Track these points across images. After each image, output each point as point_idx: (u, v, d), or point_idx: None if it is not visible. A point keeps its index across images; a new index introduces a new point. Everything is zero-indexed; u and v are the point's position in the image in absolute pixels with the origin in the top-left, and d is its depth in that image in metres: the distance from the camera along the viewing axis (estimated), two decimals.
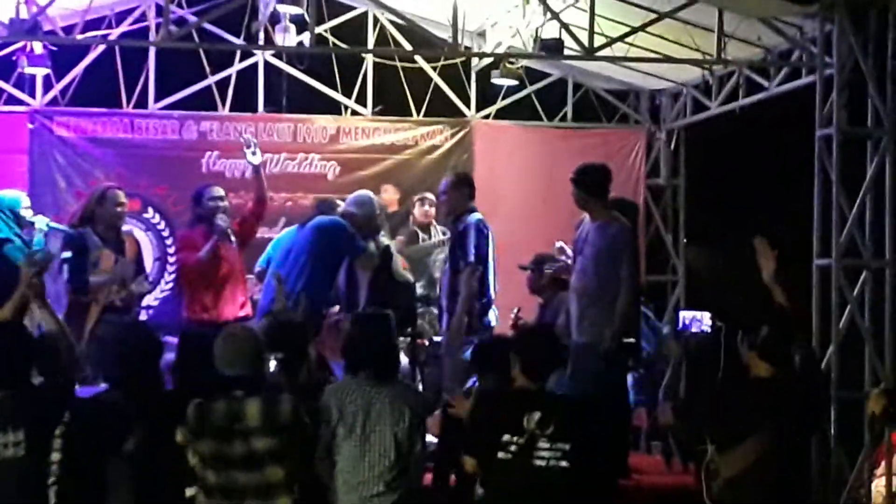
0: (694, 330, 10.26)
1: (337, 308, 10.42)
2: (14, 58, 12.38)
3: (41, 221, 9.90)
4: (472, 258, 9.95)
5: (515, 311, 10.54)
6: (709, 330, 10.12)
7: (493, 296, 10.21)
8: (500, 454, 6.44)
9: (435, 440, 8.20)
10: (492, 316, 10.24)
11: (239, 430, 6.19)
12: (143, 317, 11.32)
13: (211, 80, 13.27)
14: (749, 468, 6.36)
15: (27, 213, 9.95)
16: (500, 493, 6.54)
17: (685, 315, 10.44)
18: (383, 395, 6.86)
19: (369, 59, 13.51)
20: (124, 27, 12.76)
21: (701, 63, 12.11)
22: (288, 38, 11.69)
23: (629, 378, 10.13)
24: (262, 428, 6.22)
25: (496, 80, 12.97)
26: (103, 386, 7.44)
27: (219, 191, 10.68)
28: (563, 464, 6.39)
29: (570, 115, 14.05)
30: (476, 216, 10.07)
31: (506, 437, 6.44)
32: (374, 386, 6.89)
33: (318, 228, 9.95)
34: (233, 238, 10.46)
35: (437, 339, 10.48)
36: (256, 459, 6.19)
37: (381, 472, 6.76)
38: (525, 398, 6.57)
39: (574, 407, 6.81)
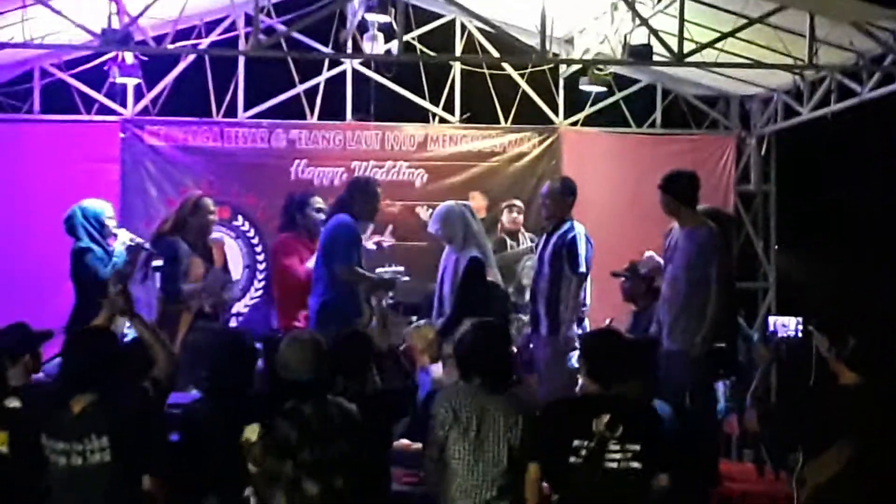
0: (782, 335, 10.20)
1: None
2: (106, 68, 12.57)
3: (124, 235, 10.00)
4: (583, 268, 9.97)
5: (608, 322, 10.49)
6: (799, 334, 10.06)
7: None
8: (572, 459, 6.44)
9: None
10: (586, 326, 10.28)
11: (332, 431, 6.29)
12: (232, 324, 11.44)
13: (299, 88, 13.42)
14: (835, 477, 6.31)
15: (111, 223, 10.08)
16: (574, 497, 6.52)
17: (774, 320, 10.39)
18: (497, 402, 6.85)
19: (457, 67, 13.58)
20: (214, 37, 12.96)
21: (792, 68, 11.98)
22: (376, 46, 11.85)
23: (721, 385, 10.07)
24: (342, 429, 6.33)
25: (584, 87, 12.97)
26: (195, 393, 7.55)
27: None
28: (635, 465, 6.39)
29: (658, 121, 14.08)
30: (581, 226, 10.09)
31: (576, 443, 6.45)
32: (488, 394, 6.90)
33: (325, 233, 9.84)
34: None
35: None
36: (345, 461, 6.28)
37: (495, 478, 6.74)
38: (592, 402, 6.56)
39: (642, 408, 6.80)
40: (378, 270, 10.22)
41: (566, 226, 10.04)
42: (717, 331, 8.83)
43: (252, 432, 6.24)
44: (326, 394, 6.45)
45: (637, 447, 6.40)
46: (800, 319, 10.65)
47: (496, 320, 8.13)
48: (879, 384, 6.48)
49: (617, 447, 6.40)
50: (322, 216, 10.52)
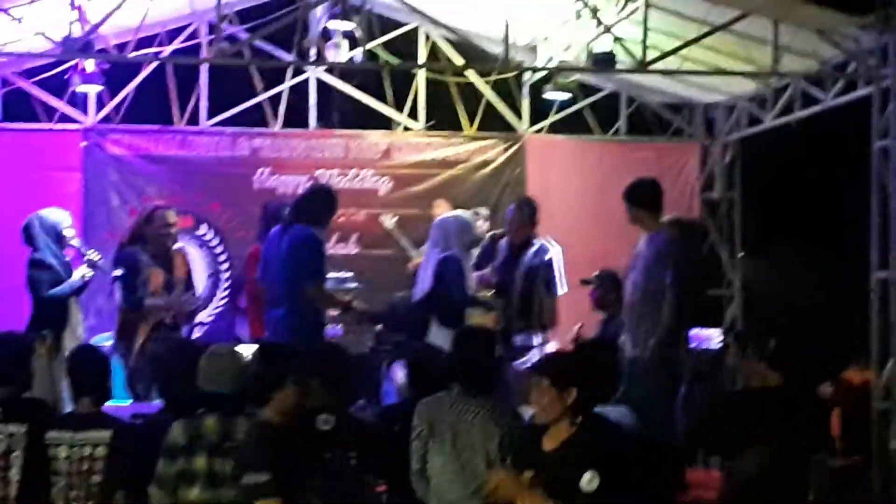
0: (704, 347, 10.28)
1: None
2: (67, 76, 12.35)
3: (84, 270, 9.91)
4: (562, 290, 10.15)
5: (578, 326, 10.48)
6: (716, 347, 10.15)
7: None
8: None
9: None
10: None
11: (231, 448, 6.33)
12: (196, 334, 11.38)
13: (263, 96, 13.35)
14: (754, 478, 6.35)
15: (69, 233, 10.03)
16: None
17: (697, 332, 10.44)
18: (474, 412, 6.80)
19: (421, 75, 13.50)
20: (176, 45, 12.83)
21: (756, 75, 12.04)
22: (339, 54, 11.72)
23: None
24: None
25: (549, 95, 12.92)
26: (156, 404, 7.53)
27: None
28: None
29: (623, 128, 14.06)
30: (555, 246, 10.19)
31: None
32: (466, 402, 6.85)
33: (292, 247, 9.47)
34: None
35: None
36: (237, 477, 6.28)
37: (476, 491, 6.63)
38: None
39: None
40: (329, 276, 10.07)
41: (537, 245, 10.21)
42: (669, 335, 8.89)
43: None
44: (239, 409, 6.47)
45: None
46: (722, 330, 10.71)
47: (478, 327, 8.09)
48: (799, 384, 6.52)
49: None
50: None
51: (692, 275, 9.28)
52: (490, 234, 10.53)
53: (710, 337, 10.53)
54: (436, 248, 9.92)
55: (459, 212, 10.34)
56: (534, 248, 10.17)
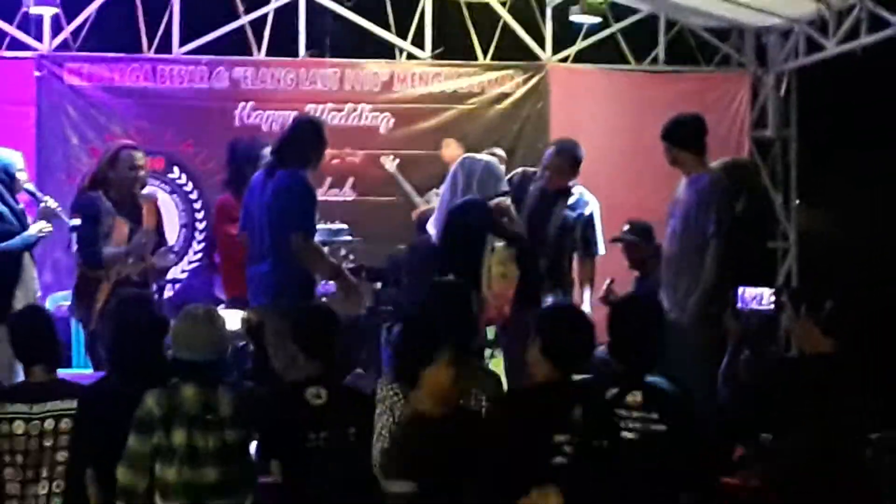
0: (754, 307, 10.16)
1: None
2: None
3: (41, 224, 9.77)
4: (602, 250, 10.18)
5: (608, 282, 10.32)
6: (770, 307, 10.04)
7: None
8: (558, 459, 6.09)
9: None
10: None
11: (213, 421, 6.35)
12: (168, 292, 11.23)
13: (245, 19, 13.18)
14: (802, 459, 6.29)
15: (22, 177, 9.79)
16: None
17: (744, 291, 10.36)
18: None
19: None
20: None
21: None
22: None
23: None
24: (232, 418, 6.42)
25: (575, 18, 12.86)
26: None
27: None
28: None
29: (661, 57, 13.90)
30: (592, 198, 10.17)
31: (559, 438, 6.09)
32: None
33: (276, 193, 9.08)
34: None
35: None
36: (227, 453, 6.38)
37: None
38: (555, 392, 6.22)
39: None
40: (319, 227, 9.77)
41: (575, 196, 10.08)
42: (712, 294, 8.74)
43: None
44: (218, 377, 6.50)
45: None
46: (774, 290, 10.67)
47: (449, 279, 7.96)
48: (856, 350, 6.44)
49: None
50: None
51: (746, 222, 9.12)
52: (522, 169, 10.33)
53: (761, 295, 10.41)
54: (454, 196, 9.65)
55: (486, 156, 10.08)
56: (571, 199, 10.00)
